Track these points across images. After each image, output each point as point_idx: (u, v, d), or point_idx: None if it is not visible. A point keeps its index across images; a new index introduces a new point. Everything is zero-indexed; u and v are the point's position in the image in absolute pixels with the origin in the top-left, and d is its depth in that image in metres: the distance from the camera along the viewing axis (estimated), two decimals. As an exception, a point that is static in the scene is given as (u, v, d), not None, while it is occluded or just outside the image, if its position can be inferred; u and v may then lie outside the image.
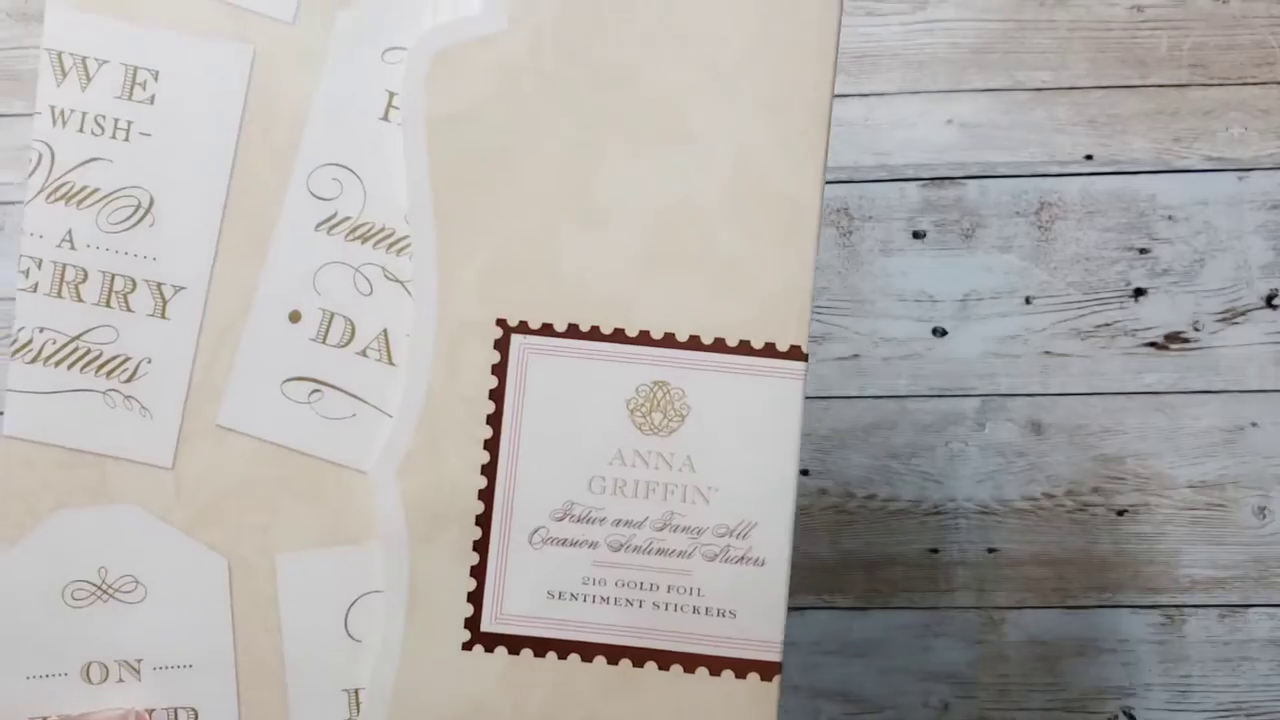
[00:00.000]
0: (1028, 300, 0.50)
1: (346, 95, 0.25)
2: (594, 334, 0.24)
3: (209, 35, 0.25)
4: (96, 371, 0.25)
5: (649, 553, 0.24)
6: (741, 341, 0.24)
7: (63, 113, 0.26)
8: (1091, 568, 0.48)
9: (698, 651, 0.23)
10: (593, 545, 0.24)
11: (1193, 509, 0.48)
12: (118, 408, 0.25)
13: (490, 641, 0.24)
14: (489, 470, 0.24)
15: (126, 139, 0.26)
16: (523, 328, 0.24)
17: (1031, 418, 0.49)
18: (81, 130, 0.26)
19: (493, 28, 0.25)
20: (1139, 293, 0.49)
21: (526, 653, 0.24)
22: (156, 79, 0.26)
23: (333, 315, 0.25)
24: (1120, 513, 0.48)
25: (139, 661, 0.25)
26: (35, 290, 0.25)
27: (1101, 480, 0.48)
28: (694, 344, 0.24)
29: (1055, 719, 0.48)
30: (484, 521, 0.24)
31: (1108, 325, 0.49)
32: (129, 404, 0.25)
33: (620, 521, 0.24)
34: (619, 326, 0.24)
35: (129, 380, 0.25)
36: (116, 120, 0.26)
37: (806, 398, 0.24)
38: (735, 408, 0.24)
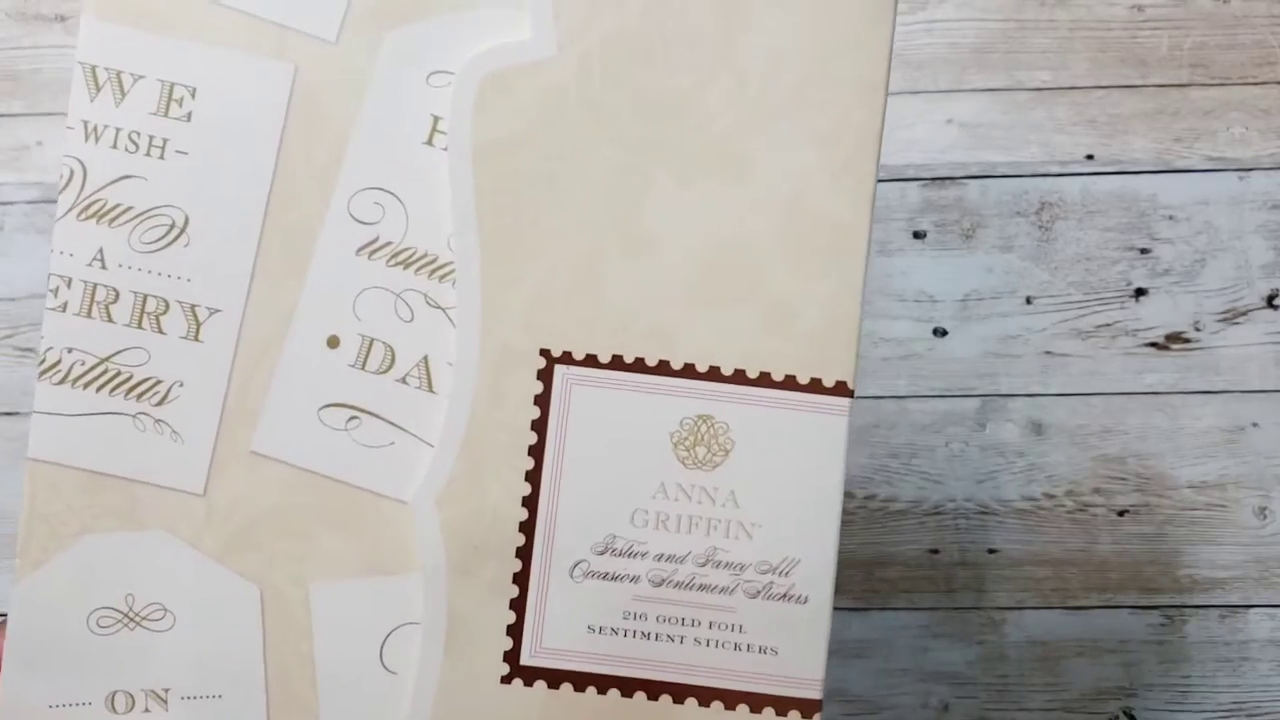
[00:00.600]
0: (1028, 300, 0.50)
1: (390, 118, 0.25)
2: (638, 366, 0.24)
3: (249, 52, 0.25)
4: (127, 394, 0.25)
5: (691, 588, 0.24)
6: (787, 376, 0.24)
7: (96, 128, 0.25)
8: (1091, 568, 0.48)
9: (738, 688, 0.23)
10: (634, 580, 0.24)
11: (1193, 509, 0.49)
12: (148, 431, 0.25)
13: (529, 675, 0.23)
14: (530, 502, 0.24)
15: (162, 156, 0.25)
16: (566, 358, 0.24)
17: (1032, 418, 0.49)
18: (115, 146, 0.25)
19: (542, 54, 0.25)
20: (1140, 293, 0.49)
21: (566, 687, 0.23)
22: (194, 96, 0.25)
23: (372, 341, 0.25)
24: (1121, 513, 0.48)
25: (166, 691, 0.25)
26: (64, 310, 0.25)
27: (1102, 480, 0.49)
28: (739, 378, 0.24)
29: (1055, 719, 0.48)
30: (524, 554, 0.24)
31: (1108, 325, 0.49)
32: (160, 428, 0.25)
33: (662, 556, 0.24)
34: (664, 359, 0.24)
35: (160, 404, 0.25)
36: (152, 137, 0.25)
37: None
38: (780, 443, 0.24)
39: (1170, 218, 0.50)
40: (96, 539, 0.25)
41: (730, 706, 0.23)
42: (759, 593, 0.24)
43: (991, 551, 0.49)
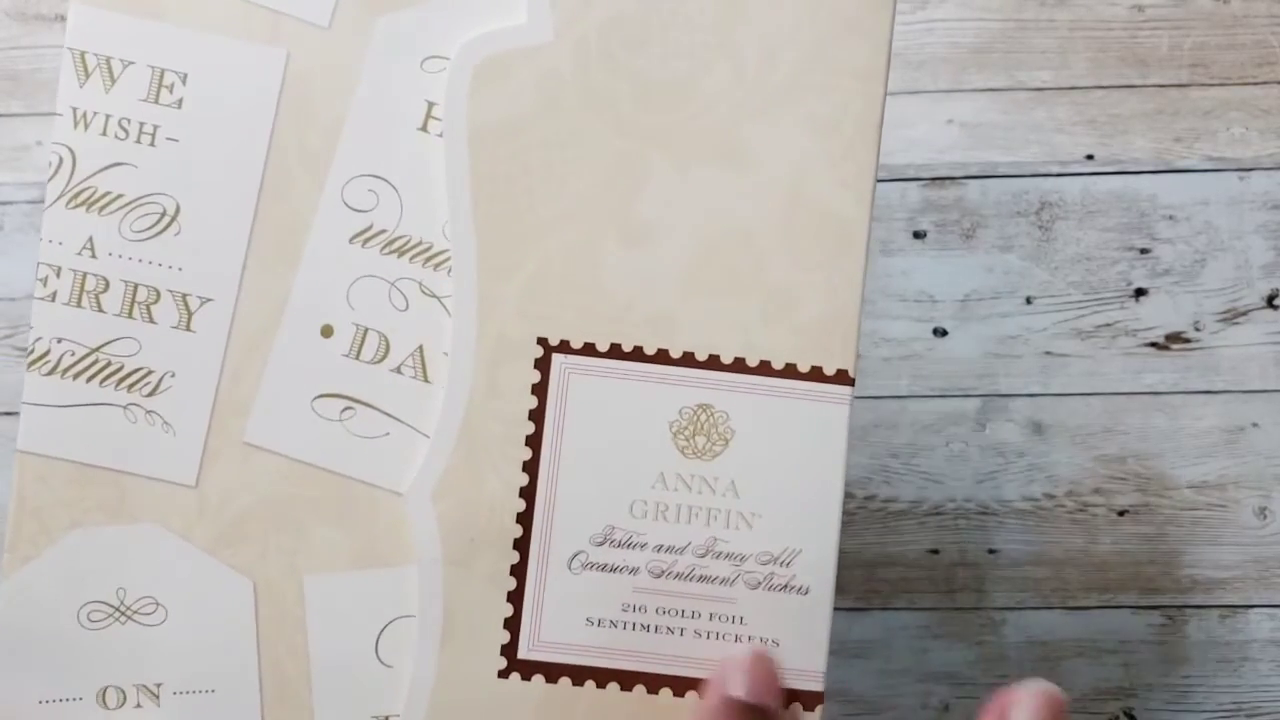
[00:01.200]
0: (1028, 300, 0.49)
1: (384, 104, 0.25)
2: (637, 354, 0.24)
3: (241, 38, 0.25)
4: (117, 385, 0.24)
5: (691, 579, 0.23)
6: (787, 365, 0.24)
7: (85, 115, 0.25)
8: (1091, 568, 0.48)
9: (740, 681, 0.23)
10: (633, 571, 0.23)
11: (1193, 509, 0.48)
12: (139, 423, 0.24)
13: (527, 669, 0.23)
14: (528, 493, 0.24)
15: (152, 144, 0.25)
16: (564, 347, 0.24)
17: (1032, 418, 0.49)
18: (105, 134, 0.25)
19: (538, 39, 0.24)
20: (1140, 293, 0.49)
21: (565, 681, 0.23)
22: (185, 82, 0.25)
23: (366, 330, 0.25)
24: (1121, 513, 0.48)
25: (158, 686, 0.24)
26: (53, 300, 0.24)
27: (1102, 480, 0.48)
28: (739, 366, 0.24)
29: None
30: (522, 545, 0.23)
31: (1108, 325, 0.49)
32: (151, 419, 0.24)
33: (662, 547, 0.23)
34: (662, 347, 0.24)
35: (151, 394, 0.24)
36: (142, 124, 0.25)
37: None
38: (780, 432, 0.24)
39: (1170, 218, 0.49)
40: (87, 532, 0.24)
41: (731, 699, 0.23)
42: (760, 584, 0.23)
43: (991, 551, 0.48)
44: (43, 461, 0.24)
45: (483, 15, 0.25)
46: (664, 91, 0.24)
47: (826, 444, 0.23)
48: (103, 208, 0.25)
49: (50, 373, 0.24)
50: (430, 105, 0.25)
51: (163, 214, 0.25)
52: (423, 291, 0.25)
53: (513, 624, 0.23)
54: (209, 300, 0.25)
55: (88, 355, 0.24)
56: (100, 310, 0.25)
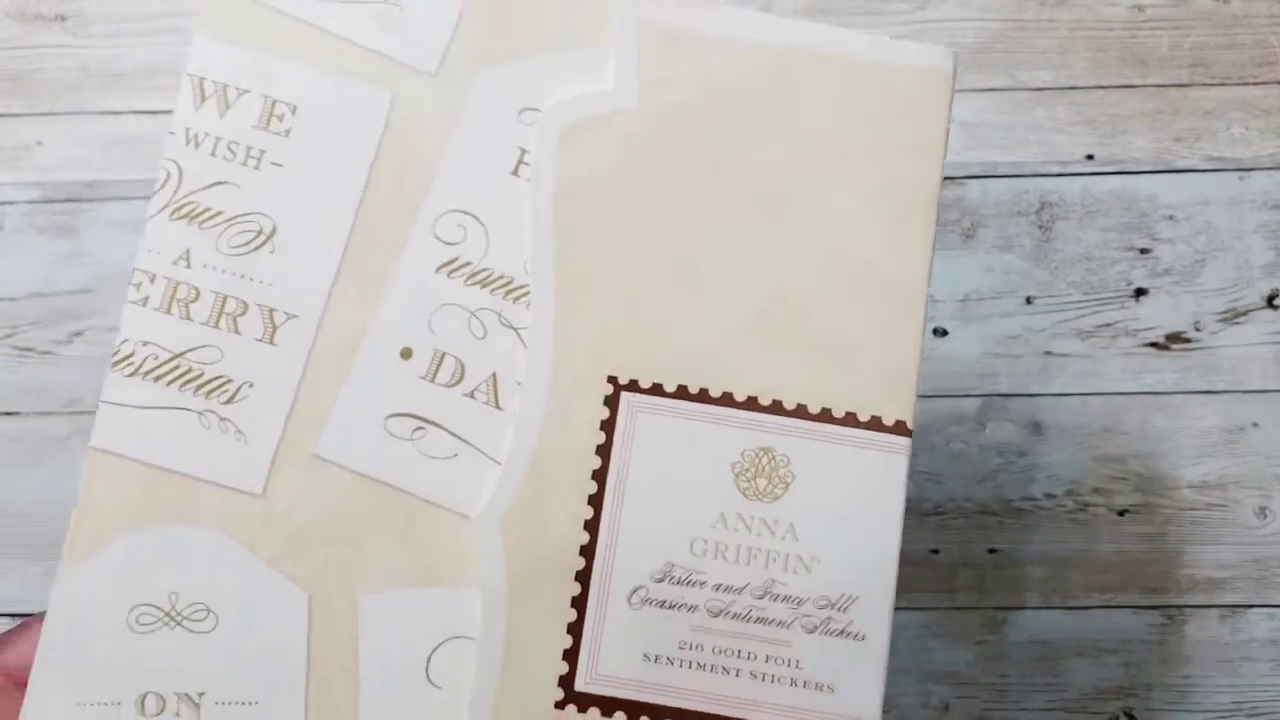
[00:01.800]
0: (1028, 300, 0.49)
1: (480, 148, 0.26)
2: (702, 396, 0.25)
3: (351, 77, 0.26)
4: (195, 390, 0.25)
5: (748, 620, 0.24)
6: (848, 413, 0.25)
7: (196, 135, 0.26)
8: (1091, 568, 0.47)
9: (792, 726, 0.23)
10: (692, 609, 0.24)
11: (1193, 509, 0.48)
12: (212, 429, 0.25)
13: (584, 702, 0.23)
14: (592, 526, 0.24)
15: (257, 167, 0.26)
16: (633, 386, 0.25)
17: (1032, 418, 0.48)
18: (214, 155, 0.26)
19: (622, 104, 0.26)
20: (1140, 293, 0.49)
21: (620, 715, 0.23)
22: (294, 113, 0.26)
23: (444, 355, 0.26)
24: (1121, 513, 0.48)
25: (200, 695, 0.24)
26: (145, 304, 0.25)
27: (1102, 480, 0.48)
28: (801, 413, 0.25)
29: (1055, 719, 0.47)
30: (583, 578, 0.24)
31: (1108, 325, 0.49)
32: (224, 426, 0.25)
33: (720, 586, 0.24)
34: (727, 391, 0.25)
35: (228, 402, 0.25)
36: (249, 148, 0.26)
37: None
38: (839, 478, 0.24)
39: (1170, 218, 0.49)
40: (148, 533, 0.24)
41: (783, 744, 0.23)
42: (816, 628, 0.24)
43: (991, 551, 0.48)
44: (114, 460, 0.25)
45: (575, 76, 0.27)
46: (730, 156, 0.26)
47: (885, 492, 0.24)
48: (203, 222, 0.26)
49: (132, 374, 0.25)
50: (522, 152, 0.26)
51: (259, 232, 0.26)
52: (501, 322, 0.26)
53: (571, 656, 0.23)
54: (294, 316, 0.26)
55: (170, 360, 0.25)
56: (188, 318, 0.25)
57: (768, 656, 0.23)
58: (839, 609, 0.24)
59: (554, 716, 0.23)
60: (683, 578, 0.24)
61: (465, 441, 0.25)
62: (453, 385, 0.25)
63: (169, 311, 0.25)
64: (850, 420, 0.25)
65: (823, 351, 0.25)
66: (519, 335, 0.26)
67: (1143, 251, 0.49)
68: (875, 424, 0.25)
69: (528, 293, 0.26)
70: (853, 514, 0.24)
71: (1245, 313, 0.49)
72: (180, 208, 0.26)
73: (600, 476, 0.24)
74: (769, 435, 0.25)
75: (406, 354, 0.26)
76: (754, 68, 0.26)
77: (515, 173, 0.26)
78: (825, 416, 0.25)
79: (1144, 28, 0.51)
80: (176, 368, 0.25)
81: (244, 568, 0.24)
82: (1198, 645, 0.47)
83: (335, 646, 0.24)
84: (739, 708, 0.23)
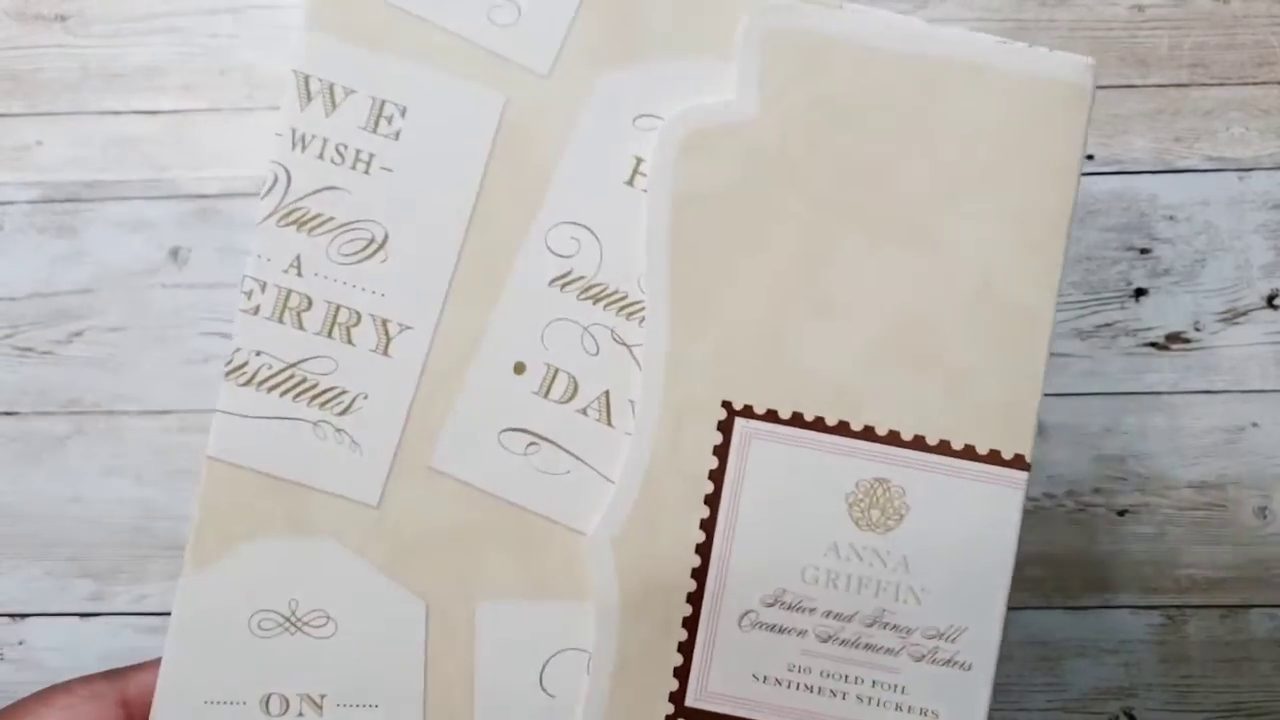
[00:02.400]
0: None
1: (594, 156, 0.25)
2: (818, 424, 0.25)
3: (462, 78, 0.25)
4: (310, 401, 0.25)
5: (857, 647, 0.24)
6: (966, 446, 0.25)
7: (303, 137, 0.25)
8: (1091, 568, 0.48)
9: (897, 749, 0.24)
10: (801, 634, 0.24)
11: (1193, 509, 0.48)
12: (328, 440, 0.25)
13: (694, 717, 0.24)
14: (703, 549, 0.24)
15: (367, 171, 0.25)
16: (747, 411, 0.25)
17: None
18: (321, 157, 0.25)
19: (744, 114, 0.25)
20: (1140, 293, 0.49)
21: (729, 733, 0.24)
22: (404, 115, 0.25)
23: (557, 371, 0.25)
24: (1121, 513, 0.48)
25: (322, 697, 0.25)
26: (256, 313, 0.25)
27: (1102, 480, 0.48)
28: (918, 444, 0.25)
29: (1055, 719, 0.47)
30: (695, 599, 0.24)
31: (1108, 325, 0.49)
32: (340, 437, 0.25)
33: (830, 613, 0.24)
34: (844, 419, 0.25)
35: (343, 413, 0.25)
36: (358, 151, 0.25)
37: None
38: (954, 511, 0.24)
39: (1170, 218, 0.49)
40: (266, 542, 0.25)
41: (887, 766, 0.24)
42: (924, 657, 0.24)
43: None
44: (230, 469, 0.25)
45: (694, 82, 0.26)
46: (860, 172, 0.25)
47: (999, 526, 0.24)
48: (312, 229, 0.25)
49: (246, 384, 0.25)
50: (638, 161, 0.25)
51: (371, 240, 0.25)
52: (614, 339, 0.25)
53: (682, 673, 0.24)
54: (408, 328, 0.25)
55: (284, 370, 0.25)
56: (301, 328, 0.25)
57: (874, 682, 0.24)
58: (947, 639, 0.24)
59: (667, 733, 0.24)
60: (793, 603, 0.24)
61: (578, 458, 0.25)
62: (565, 401, 0.25)
63: (281, 320, 0.25)
64: (968, 453, 0.24)
65: (942, 381, 0.25)
66: (632, 353, 0.25)
67: (1143, 251, 0.49)
68: (994, 458, 0.24)
69: (642, 309, 0.25)
70: (966, 547, 0.24)
71: (1245, 313, 0.49)
72: (289, 214, 0.25)
73: (713, 501, 0.24)
74: (884, 466, 0.25)
75: (519, 369, 0.25)
76: (884, 77, 0.25)
77: (630, 183, 0.25)
78: (943, 448, 0.25)
79: (1144, 28, 0.50)
80: (291, 378, 0.25)
81: (361, 576, 0.25)
82: (1198, 645, 0.47)
83: (452, 654, 0.25)
84: (846, 730, 0.24)
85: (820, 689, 0.24)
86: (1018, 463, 0.24)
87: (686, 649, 0.24)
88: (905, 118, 0.25)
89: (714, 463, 0.25)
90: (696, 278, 0.25)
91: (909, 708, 0.24)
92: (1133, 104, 0.50)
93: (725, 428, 0.25)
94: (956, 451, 0.24)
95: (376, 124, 0.25)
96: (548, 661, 0.25)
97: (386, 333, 0.25)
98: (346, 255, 0.25)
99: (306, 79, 0.25)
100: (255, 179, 0.50)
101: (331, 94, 0.25)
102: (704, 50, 0.25)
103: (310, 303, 0.25)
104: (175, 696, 0.25)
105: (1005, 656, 0.47)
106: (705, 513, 0.24)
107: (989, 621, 0.24)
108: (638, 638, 0.24)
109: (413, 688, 0.25)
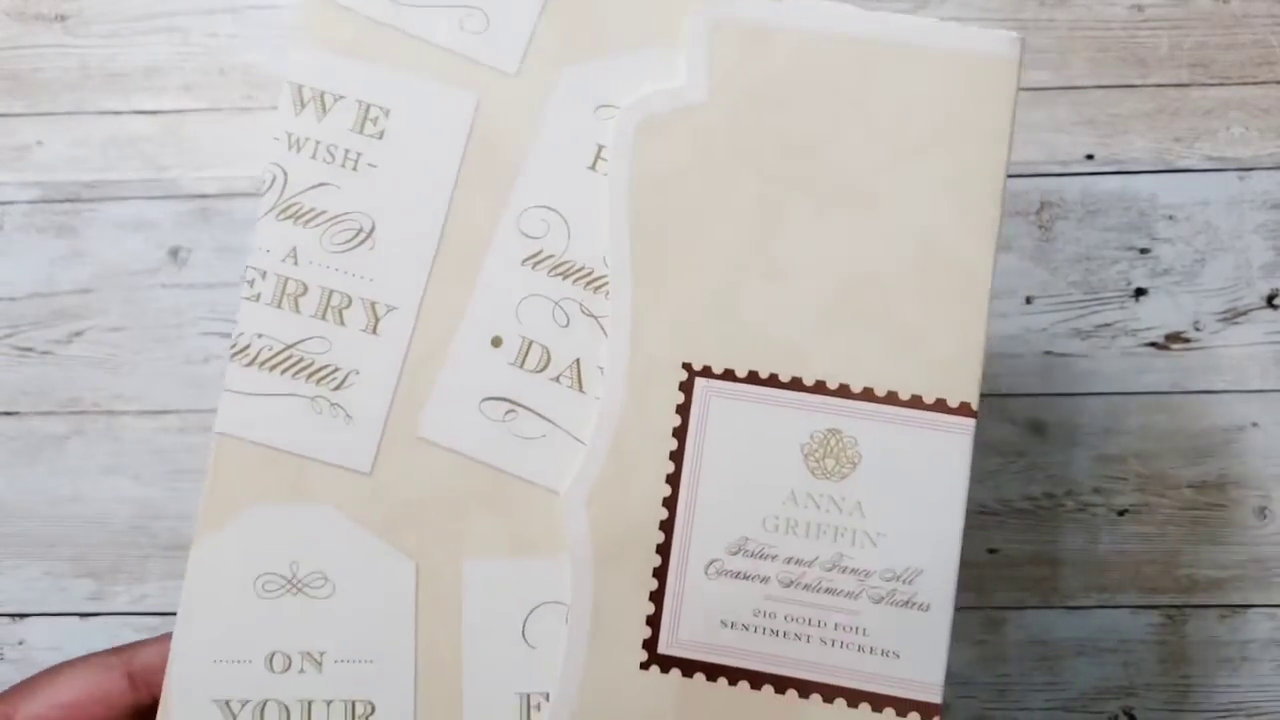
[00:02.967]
0: (1028, 300, 0.49)
1: (560, 145, 0.28)
2: (773, 381, 0.26)
3: (439, 81, 0.28)
4: (307, 378, 0.27)
5: (818, 591, 0.25)
6: (913, 396, 0.26)
7: (298, 140, 0.28)
8: (1091, 568, 0.48)
9: (861, 688, 0.25)
10: (764, 580, 0.26)
11: (1193, 509, 0.48)
12: (323, 413, 0.27)
13: (666, 663, 0.25)
14: (670, 503, 0.26)
15: (355, 169, 0.28)
16: (706, 372, 0.26)
17: (1031, 418, 0.48)
18: (314, 158, 0.28)
19: (694, 99, 0.27)
20: (1140, 293, 0.49)
21: (699, 676, 0.25)
22: (387, 116, 0.28)
23: (531, 343, 0.27)
24: (1120, 513, 0.48)
25: (322, 654, 0.27)
26: (258, 300, 0.28)
27: (1101, 480, 0.48)
28: (867, 395, 0.26)
29: (1055, 719, 0.47)
30: (664, 550, 0.26)
31: (1108, 325, 0.49)
32: (334, 410, 0.27)
33: (791, 559, 0.26)
34: (796, 375, 0.26)
35: (337, 389, 0.27)
36: (347, 151, 0.28)
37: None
38: (905, 458, 0.26)
39: (1170, 218, 0.49)
40: (269, 509, 0.27)
41: (853, 704, 0.25)
42: (883, 599, 0.25)
43: (991, 551, 0.48)
44: (236, 443, 0.27)
45: (649, 72, 0.28)
46: (805, 146, 0.27)
47: (949, 470, 0.25)
48: (307, 221, 0.28)
49: (249, 364, 0.27)
50: (600, 148, 0.28)
51: (359, 230, 0.28)
52: (583, 311, 0.27)
53: (654, 621, 0.25)
54: (394, 308, 0.28)
55: (283, 350, 0.28)
56: (298, 311, 0.28)
57: (836, 624, 0.25)
58: (904, 581, 0.25)
59: (639, 676, 0.25)
60: (756, 551, 0.26)
61: (552, 423, 0.27)
62: (539, 370, 0.27)
63: (280, 306, 0.28)
64: (916, 403, 0.26)
65: (889, 336, 0.26)
66: (599, 323, 0.27)
67: (1143, 251, 0.49)
68: (940, 406, 0.26)
69: (607, 284, 0.27)
70: (918, 491, 0.25)
71: (1245, 313, 0.49)
72: (286, 209, 0.28)
73: (677, 457, 0.26)
74: (837, 418, 0.26)
75: (497, 342, 0.27)
76: (822, 58, 0.27)
77: (594, 168, 0.28)
78: (891, 399, 0.26)
79: (1144, 28, 0.51)
80: (289, 357, 0.27)
81: (356, 540, 0.27)
82: (1198, 645, 0.47)
83: (441, 610, 0.26)
84: (809, 671, 0.25)
85: (785, 633, 0.25)
86: (964, 410, 0.26)
87: (657, 598, 0.26)
88: (843, 94, 0.27)
89: (677, 421, 0.26)
90: (655, 251, 0.27)
91: (870, 649, 0.25)
92: (1133, 104, 0.50)
93: (686, 388, 0.26)
94: (904, 401, 0.26)
95: (363, 125, 0.28)
96: (529, 615, 0.26)
97: (375, 314, 0.28)
98: (338, 244, 0.28)
99: (300, 88, 0.28)
100: (255, 179, 0.50)
101: (322, 101, 0.28)
102: (655, 42, 0.28)
103: (306, 288, 0.28)
104: (188, 657, 0.27)
105: (1004, 657, 0.47)
106: (671, 468, 0.26)
107: (944, 563, 0.25)
108: (611, 589, 0.26)
109: (405, 643, 0.27)
